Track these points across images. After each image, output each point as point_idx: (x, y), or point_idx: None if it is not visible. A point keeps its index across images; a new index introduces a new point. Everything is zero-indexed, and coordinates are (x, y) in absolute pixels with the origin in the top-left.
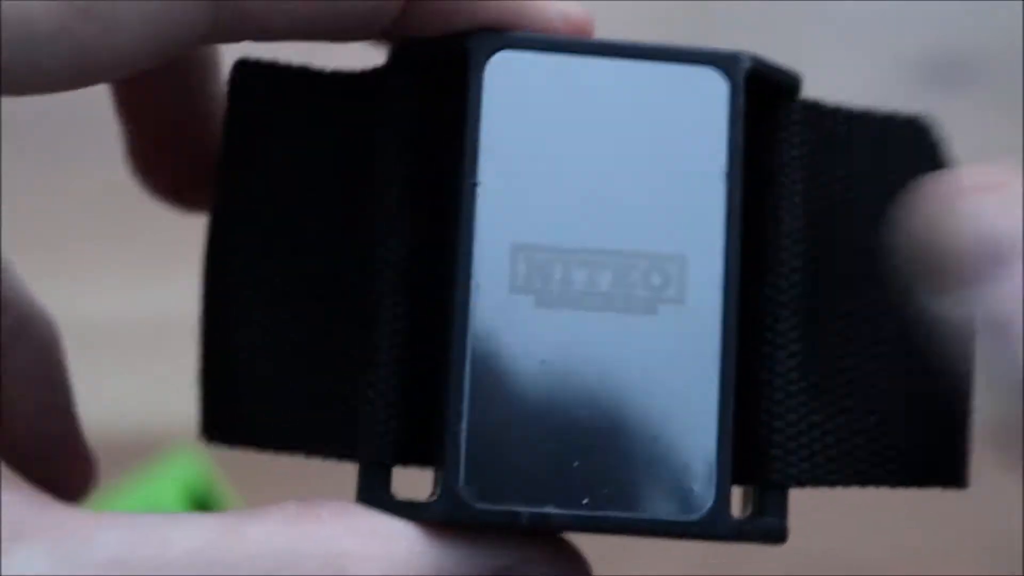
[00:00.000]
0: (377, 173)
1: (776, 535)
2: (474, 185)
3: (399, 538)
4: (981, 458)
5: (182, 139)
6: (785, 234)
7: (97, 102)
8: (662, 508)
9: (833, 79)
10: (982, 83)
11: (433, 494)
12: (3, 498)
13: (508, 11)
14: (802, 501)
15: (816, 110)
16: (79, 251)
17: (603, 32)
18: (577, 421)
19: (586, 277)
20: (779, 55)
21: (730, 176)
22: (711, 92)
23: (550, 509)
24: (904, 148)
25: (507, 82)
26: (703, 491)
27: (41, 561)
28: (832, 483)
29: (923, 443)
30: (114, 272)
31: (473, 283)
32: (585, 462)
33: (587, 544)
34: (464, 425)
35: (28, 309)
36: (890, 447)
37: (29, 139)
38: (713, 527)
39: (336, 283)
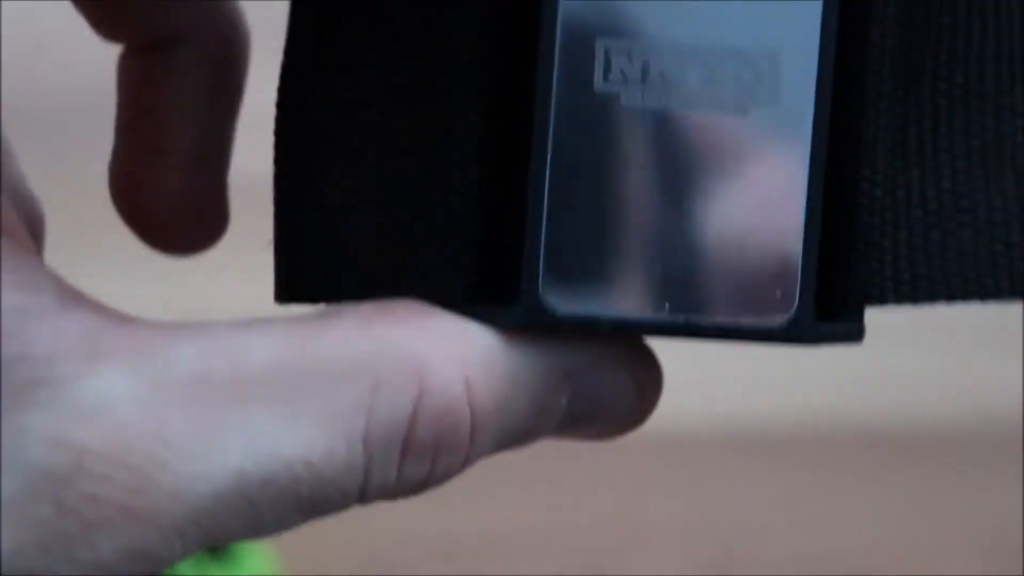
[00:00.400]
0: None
1: (855, 335)
2: None
3: (475, 339)
4: (982, 458)
5: (176, 157)
6: (878, 20)
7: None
8: (745, 313)
9: None
10: None
11: (512, 298)
12: (79, 315)
13: None
14: (802, 501)
15: None
16: (95, 242)
17: None
18: (661, 224)
19: (674, 73)
20: None
21: None
22: None
23: (630, 313)
24: None
25: None
26: (787, 297)
27: (120, 380)
28: (917, 298)
29: None
30: (131, 264)
31: (554, 76)
32: (668, 266)
33: (588, 540)
34: (544, 225)
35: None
36: (992, 258)
37: (40, 126)
38: (796, 333)
39: (418, 121)
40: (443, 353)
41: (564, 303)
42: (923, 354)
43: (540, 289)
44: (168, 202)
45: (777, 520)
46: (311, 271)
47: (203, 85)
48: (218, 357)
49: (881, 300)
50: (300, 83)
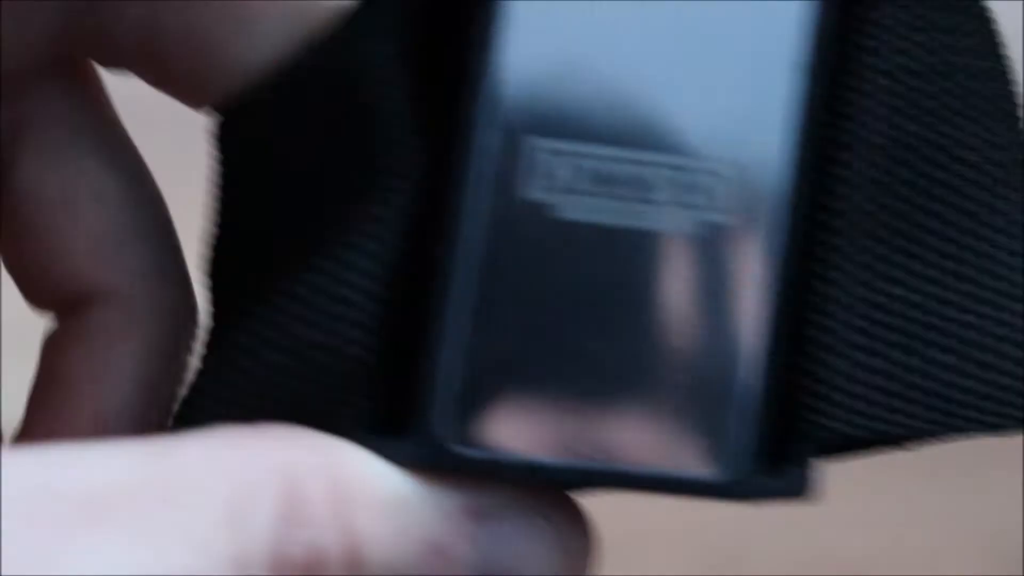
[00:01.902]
0: (373, 96)
1: (802, 491)
2: (479, 71)
3: (352, 461)
4: (981, 458)
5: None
6: (859, 137)
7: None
8: (675, 463)
9: None
10: None
11: (407, 429)
12: None
13: None
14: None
15: None
16: None
17: None
18: (582, 354)
19: (614, 184)
20: None
21: (799, 72)
22: None
23: (540, 457)
24: (993, 28)
25: None
26: (725, 445)
27: None
28: (868, 435)
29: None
30: None
31: (476, 184)
32: (587, 403)
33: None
34: (446, 351)
35: None
36: (951, 391)
37: None
38: (733, 489)
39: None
40: (314, 473)
41: (464, 440)
42: None
43: (435, 424)
44: None
45: (777, 520)
46: (211, 396)
47: (124, 350)
48: (56, 475)
49: (841, 448)
50: (227, 224)
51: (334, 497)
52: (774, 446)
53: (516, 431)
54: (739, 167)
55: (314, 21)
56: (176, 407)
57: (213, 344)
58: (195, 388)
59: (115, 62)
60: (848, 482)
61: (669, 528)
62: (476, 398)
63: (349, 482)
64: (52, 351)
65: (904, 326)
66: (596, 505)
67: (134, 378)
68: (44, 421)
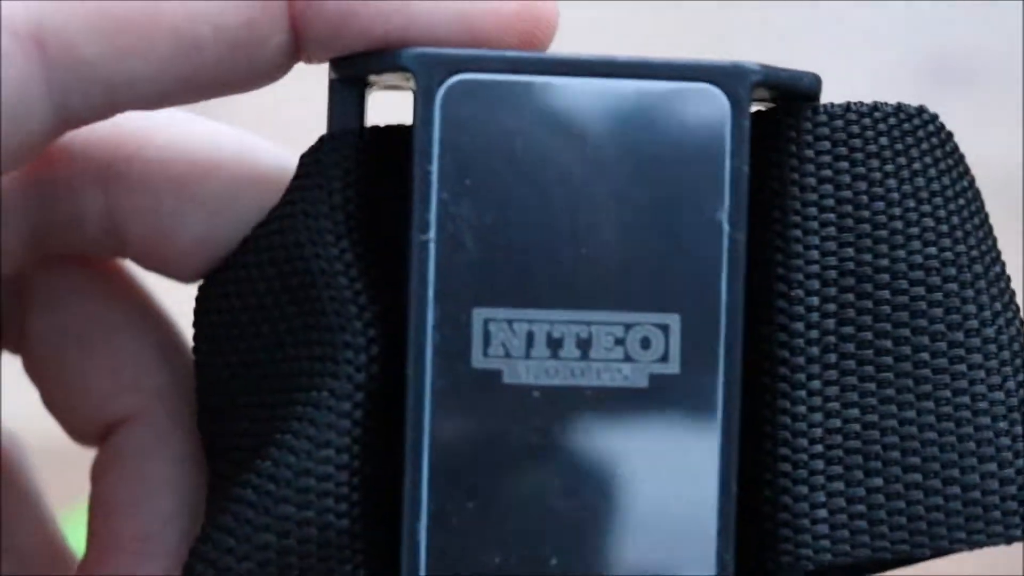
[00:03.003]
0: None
1: None
2: (426, 242)
3: None
4: None
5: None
6: (803, 272)
7: None
8: None
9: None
10: (982, 84)
11: None
12: None
13: (396, 19)
14: None
15: (835, 114)
16: None
17: (606, 46)
18: (554, 513)
19: (563, 345)
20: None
21: (733, 220)
22: (710, 114)
23: None
24: (922, 143)
25: (463, 113)
26: None
27: None
28: (851, 560)
29: (979, 502)
30: None
31: (428, 356)
32: (563, 559)
33: None
34: (424, 522)
35: None
36: (931, 513)
37: None
38: None
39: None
40: None
41: None
42: None
43: None
44: None
45: None
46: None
47: (157, 466)
48: None
49: (820, 568)
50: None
51: None
52: None
53: None
54: (685, 318)
55: (266, 193)
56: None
57: (205, 525)
58: (189, 573)
59: (95, 251)
60: None
61: None
62: (452, 563)
63: None
64: (95, 479)
65: (878, 452)
66: None
67: (173, 491)
68: (95, 548)
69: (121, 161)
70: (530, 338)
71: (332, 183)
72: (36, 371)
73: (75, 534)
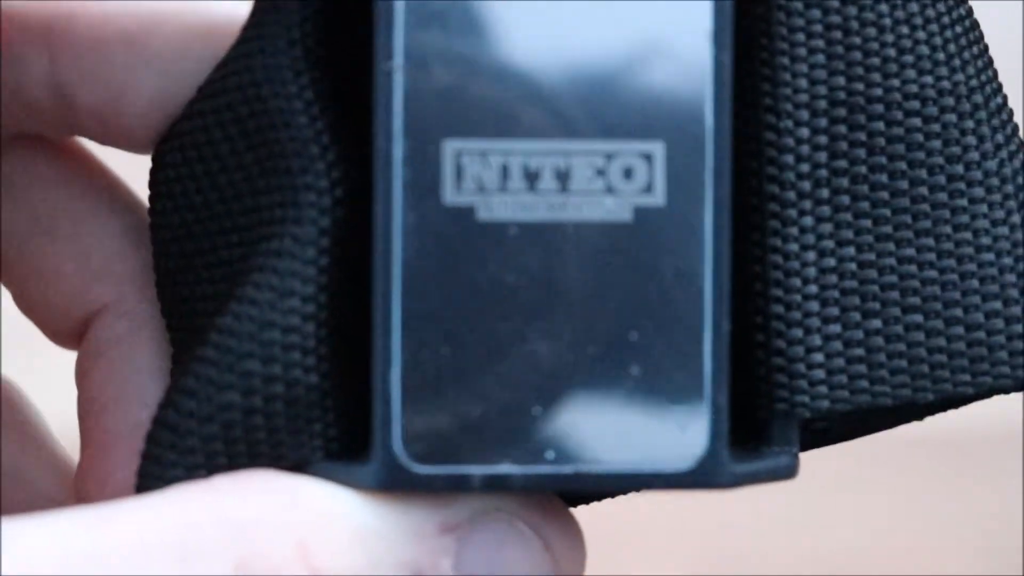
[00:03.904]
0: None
1: (784, 472)
2: (392, 70)
3: (310, 499)
4: (981, 458)
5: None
6: (792, 101)
7: None
8: (645, 456)
9: None
10: None
11: (366, 454)
12: None
13: None
14: (801, 501)
15: None
16: None
17: None
18: (536, 357)
19: (541, 178)
20: None
21: (718, 41)
22: None
23: (506, 467)
24: None
25: None
26: (694, 432)
27: None
28: (851, 408)
29: (977, 345)
30: None
31: (396, 193)
32: (548, 406)
33: (587, 540)
34: (395, 371)
35: None
36: (933, 355)
37: None
38: (708, 476)
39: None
40: (270, 517)
41: (425, 458)
42: None
43: (394, 445)
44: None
45: (776, 520)
46: (169, 447)
47: (139, 355)
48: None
49: (818, 416)
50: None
51: (295, 543)
52: (753, 430)
53: (474, 442)
54: (670, 146)
55: (218, 45)
56: (138, 463)
57: (169, 389)
58: (152, 440)
59: (47, 127)
60: (847, 482)
61: (669, 528)
62: (428, 414)
63: (311, 525)
64: (80, 381)
65: (876, 292)
66: (595, 505)
67: (158, 377)
68: (90, 448)
69: (62, 19)
70: (505, 170)
71: (290, 16)
72: (6, 268)
73: None
